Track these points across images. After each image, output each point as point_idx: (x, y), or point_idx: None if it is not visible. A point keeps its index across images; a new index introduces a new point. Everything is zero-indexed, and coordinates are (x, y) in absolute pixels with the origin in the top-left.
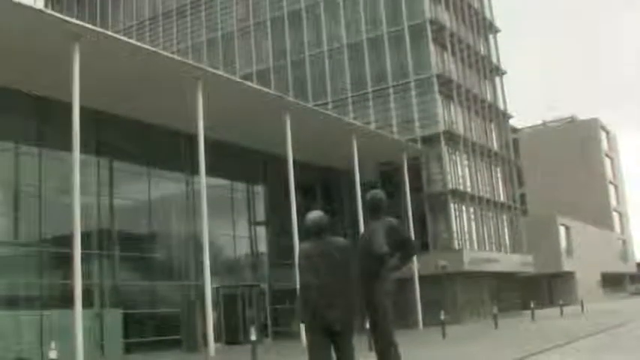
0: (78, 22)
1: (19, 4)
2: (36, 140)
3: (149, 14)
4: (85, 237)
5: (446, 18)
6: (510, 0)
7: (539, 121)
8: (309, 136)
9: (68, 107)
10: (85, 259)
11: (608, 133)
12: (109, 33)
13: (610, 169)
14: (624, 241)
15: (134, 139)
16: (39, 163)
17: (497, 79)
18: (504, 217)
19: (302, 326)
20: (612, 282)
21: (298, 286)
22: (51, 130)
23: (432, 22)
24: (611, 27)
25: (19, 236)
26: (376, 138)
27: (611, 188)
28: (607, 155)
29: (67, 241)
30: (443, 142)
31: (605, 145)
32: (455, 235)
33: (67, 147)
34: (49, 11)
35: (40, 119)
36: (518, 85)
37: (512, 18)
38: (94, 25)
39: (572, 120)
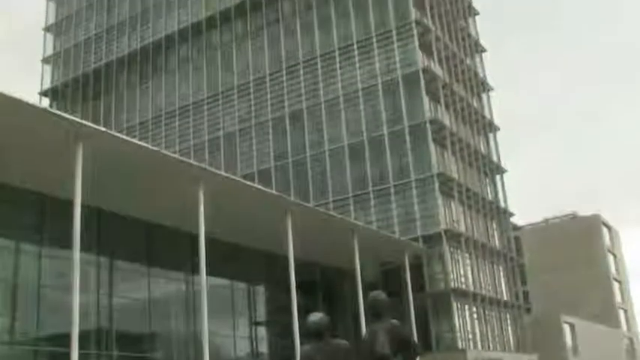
0: (81, 120)
1: (24, 102)
2: (36, 237)
3: (152, 114)
4: (84, 336)
5: (446, 118)
6: (510, 99)
7: (541, 218)
8: (310, 235)
9: (69, 205)
10: (83, 358)
11: (610, 229)
12: (112, 132)
13: (613, 266)
14: (631, 339)
15: (135, 237)
16: (38, 261)
17: (497, 177)
18: (508, 315)
19: None
20: None
21: None
22: (51, 227)
23: (432, 122)
24: (610, 125)
25: (16, 335)
26: (377, 237)
27: (616, 285)
28: (610, 251)
29: (65, 339)
30: (444, 241)
31: (607, 241)
32: (458, 334)
33: (67, 244)
34: (53, 110)
35: (40, 216)
36: (519, 182)
37: (512, 116)
38: (98, 123)
39: (573, 216)
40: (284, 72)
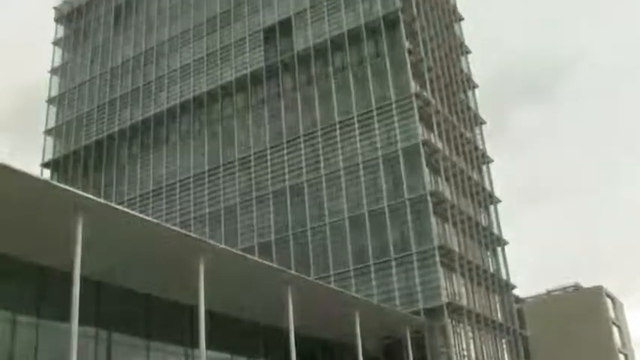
0: (82, 193)
1: (25, 174)
2: (34, 309)
3: (153, 186)
4: None
5: (446, 190)
6: (510, 169)
7: (543, 290)
8: (311, 308)
9: (68, 277)
10: None
11: (613, 300)
12: (112, 204)
13: (618, 338)
14: None
15: (134, 310)
16: (36, 334)
17: (499, 250)
18: None
19: None
20: None
21: None
22: (50, 299)
23: (432, 194)
24: (611, 194)
25: None
26: (379, 311)
27: (622, 357)
28: (614, 324)
29: None
30: (446, 315)
31: (611, 313)
32: None
33: (66, 316)
34: (54, 182)
35: (39, 288)
36: (520, 252)
37: (512, 186)
38: (98, 195)
39: (576, 288)
40: (285, 145)
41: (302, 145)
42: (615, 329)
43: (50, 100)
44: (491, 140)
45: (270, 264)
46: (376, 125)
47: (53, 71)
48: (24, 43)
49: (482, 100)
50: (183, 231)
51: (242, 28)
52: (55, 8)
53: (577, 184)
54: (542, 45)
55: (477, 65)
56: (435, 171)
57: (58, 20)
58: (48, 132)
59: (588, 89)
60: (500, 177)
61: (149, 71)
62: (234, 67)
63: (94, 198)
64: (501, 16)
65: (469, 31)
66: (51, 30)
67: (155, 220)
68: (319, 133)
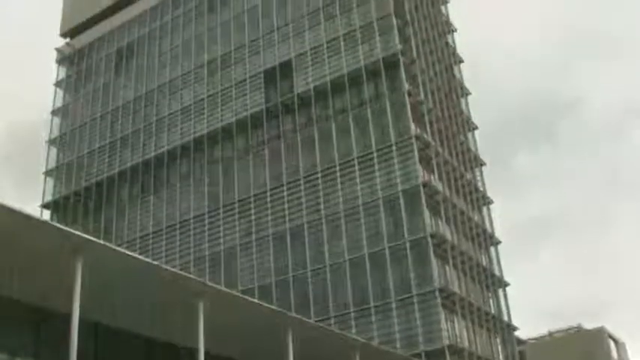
0: (81, 234)
1: (25, 214)
2: (31, 352)
3: (153, 227)
4: None
5: (447, 231)
6: (510, 209)
7: (545, 331)
8: (311, 351)
9: (67, 319)
10: None
11: (616, 342)
12: (112, 246)
13: None
14: None
15: (133, 352)
16: None
17: (500, 291)
18: None
19: None
20: None
21: None
22: (48, 341)
23: (433, 236)
24: (613, 234)
25: None
26: (379, 354)
27: None
28: None
29: None
30: (448, 357)
31: (614, 354)
32: None
33: (64, 359)
34: (54, 223)
35: (37, 330)
36: (521, 292)
37: (513, 226)
38: (98, 236)
39: (578, 329)
40: (285, 187)
41: (302, 187)
42: None
43: (51, 141)
44: (492, 180)
45: (271, 306)
46: (376, 167)
47: (54, 112)
48: (25, 82)
49: (483, 141)
50: (183, 273)
51: (243, 70)
52: (57, 50)
53: (579, 224)
54: (543, 86)
55: (477, 106)
56: (435, 212)
57: (59, 62)
58: (48, 173)
59: (589, 131)
60: (502, 217)
61: (150, 113)
62: (234, 109)
63: (94, 239)
64: (502, 57)
65: (469, 72)
66: (53, 71)
67: (155, 262)
68: (319, 174)
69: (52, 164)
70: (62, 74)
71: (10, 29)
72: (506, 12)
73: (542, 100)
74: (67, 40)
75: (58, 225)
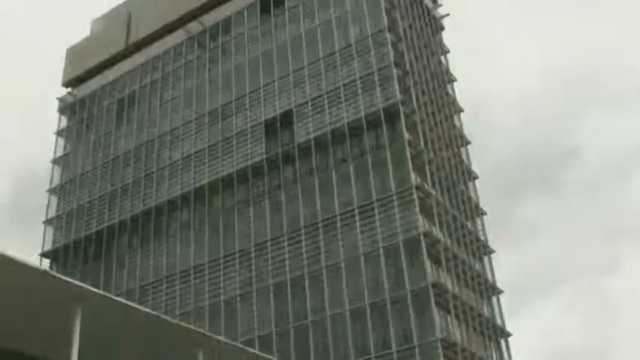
0: (81, 284)
1: (24, 264)
2: None
3: (153, 277)
4: None
5: (448, 281)
6: (513, 258)
7: None
8: None
9: None
10: None
11: None
12: (111, 296)
13: None
14: None
15: None
16: None
17: (502, 341)
18: None
19: None
20: None
21: None
22: None
23: (434, 285)
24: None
25: None
26: None
27: None
28: None
29: None
30: None
31: None
32: None
33: None
34: (53, 272)
35: None
36: (525, 344)
37: (515, 275)
38: (98, 286)
39: None
40: (285, 237)
41: (303, 237)
42: None
43: (51, 190)
44: (494, 229)
45: (270, 357)
46: (377, 217)
47: (55, 161)
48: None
49: (484, 190)
50: (183, 323)
51: (243, 120)
52: (58, 99)
53: (583, 274)
54: (544, 133)
55: (478, 155)
56: (436, 262)
57: (61, 111)
58: (48, 222)
59: (591, 177)
60: (503, 267)
61: (150, 162)
62: (235, 159)
63: (93, 289)
64: (503, 106)
65: (469, 120)
66: (54, 120)
67: (154, 312)
68: (320, 224)
69: (53, 213)
70: (64, 123)
71: (15, 81)
72: (507, 60)
73: (543, 147)
74: (69, 89)
75: (58, 274)
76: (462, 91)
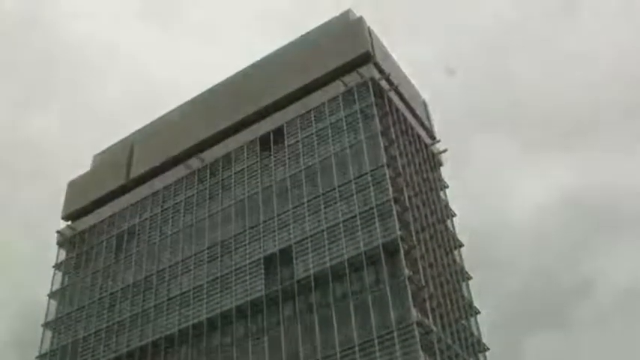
0: None
1: None
2: None
3: None
4: None
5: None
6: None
7: None
8: None
9: None
10: None
11: None
12: None
13: None
14: None
15: None
16: None
17: None
18: None
19: None
20: None
21: None
22: None
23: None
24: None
25: None
26: None
27: None
28: None
29: None
30: None
31: None
32: None
33: None
34: None
35: None
36: None
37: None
38: None
39: None
40: None
41: None
42: None
43: (46, 325)
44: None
45: None
46: (377, 354)
47: (52, 295)
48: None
49: (489, 325)
50: None
51: (243, 256)
52: (58, 232)
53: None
54: (548, 268)
55: (480, 289)
56: None
57: (60, 244)
58: (41, 357)
59: (599, 311)
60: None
61: (149, 297)
62: (234, 295)
63: None
64: (504, 241)
65: (471, 255)
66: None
67: None
68: None
69: (46, 348)
70: (62, 256)
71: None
72: (506, 193)
73: (548, 282)
74: (69, 222)
75: None
76: (462, 226)
